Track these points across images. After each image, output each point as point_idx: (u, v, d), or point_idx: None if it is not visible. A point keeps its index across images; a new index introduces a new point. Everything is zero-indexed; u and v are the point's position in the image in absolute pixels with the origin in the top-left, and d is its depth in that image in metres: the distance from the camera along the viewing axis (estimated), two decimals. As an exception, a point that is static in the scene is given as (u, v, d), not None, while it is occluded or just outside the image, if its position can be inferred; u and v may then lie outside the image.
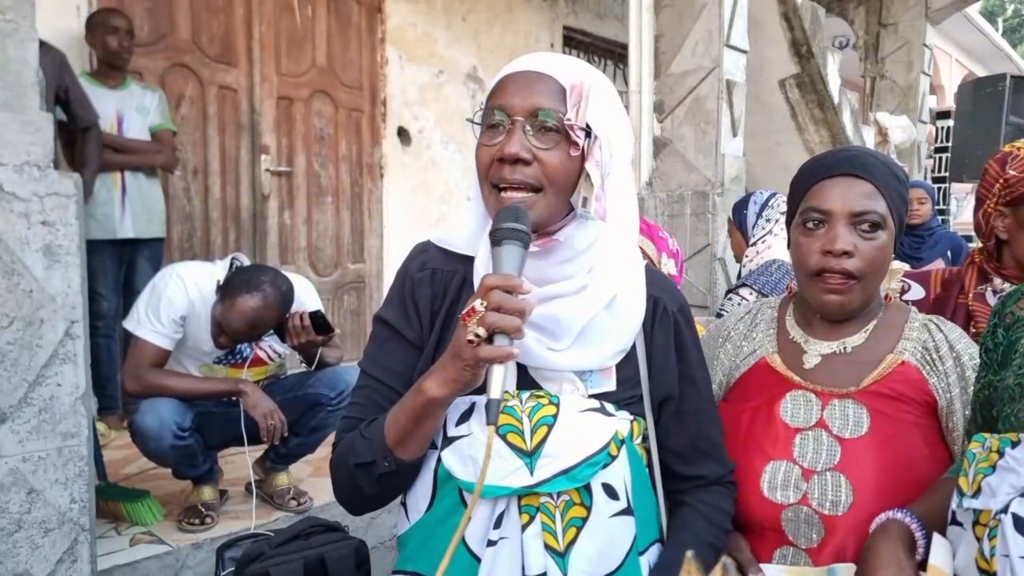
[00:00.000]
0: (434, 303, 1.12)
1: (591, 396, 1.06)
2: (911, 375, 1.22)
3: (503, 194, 1.00)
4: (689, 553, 0.89)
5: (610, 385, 1.08)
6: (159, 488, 2.73)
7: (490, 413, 0.89)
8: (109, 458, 2.96)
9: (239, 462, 2.58)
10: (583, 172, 1.02)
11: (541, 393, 1.05)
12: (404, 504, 1.13)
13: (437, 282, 1.13)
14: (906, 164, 7.31)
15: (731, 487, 1.20)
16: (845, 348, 1.26)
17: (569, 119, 0.99)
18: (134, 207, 3.44)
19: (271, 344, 2.66)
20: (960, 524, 0.87)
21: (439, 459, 1.06)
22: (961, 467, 0.98)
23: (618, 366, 1.09)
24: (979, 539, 0.82)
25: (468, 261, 1.11)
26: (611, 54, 6.64)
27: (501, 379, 0.90)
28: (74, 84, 3.00)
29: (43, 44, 2.15)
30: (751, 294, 2.38)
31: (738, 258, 2.69)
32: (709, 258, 3.96)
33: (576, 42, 6.37)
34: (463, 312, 0.92)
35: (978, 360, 1.07)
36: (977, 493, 0.84)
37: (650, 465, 1.15)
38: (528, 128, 0.99)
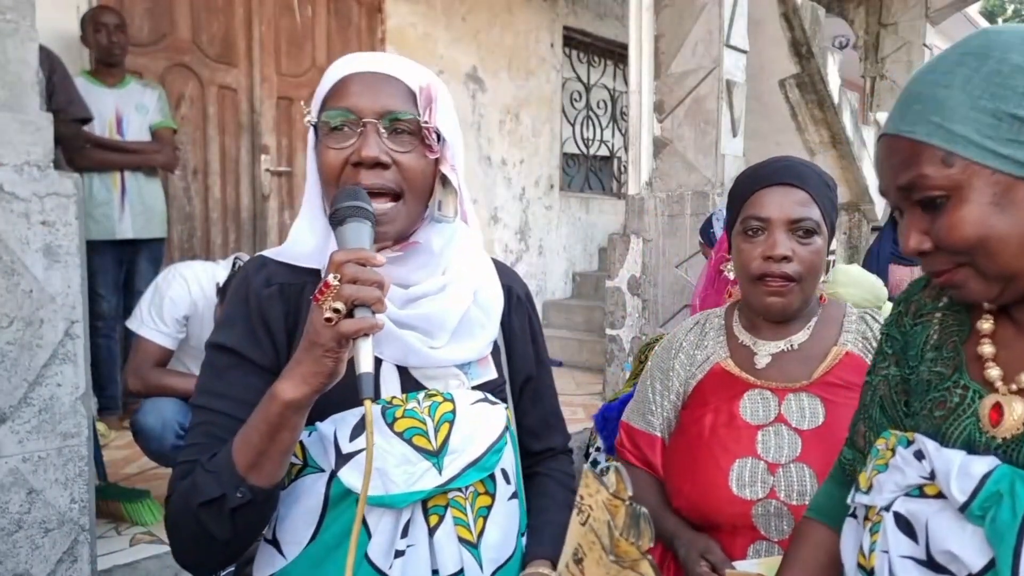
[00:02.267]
0: (287, 319, 1.03)
1: (474, 388, 1.09)
2: (856, 363, 1.29)
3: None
4: (585, 466, 0.89)
5: (490, 374, 1.11)
6: (159, 488, 2.73)
7: (363, 386, 0.81)
8: (109, 458, 2.97)
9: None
10: (437, 175, 1.02)
11: (434, 391, 1.04)
12: (274, 540, 1.02)
13: (287, 297, 1.04)
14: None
15: (570, 453, 1.29)
16: (792, 345, 1.34)
17: (425, 121, 0.97)
18: (133, 208, 3.43)
19: None
20: (855, 516, 0.89)
21: (330, 481, 0.98)
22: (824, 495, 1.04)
23: (491, 355, 1.13)
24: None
25: (315, 274, 1.04)
26: (611, 54, 6.64)
27: (370, 352, 0.83)
28: (62, 80, 2.92)
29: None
30: None
31: None
32: (709, 258, 3.96)
33: (576, 42, 6.38)
34: (314, 292, 0.85)
35: None
36: (869, 489, 0.85)
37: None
38: (382, 130, 0.95)
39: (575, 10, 6.23)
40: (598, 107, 6.71)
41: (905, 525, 0.78)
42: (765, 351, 1.35)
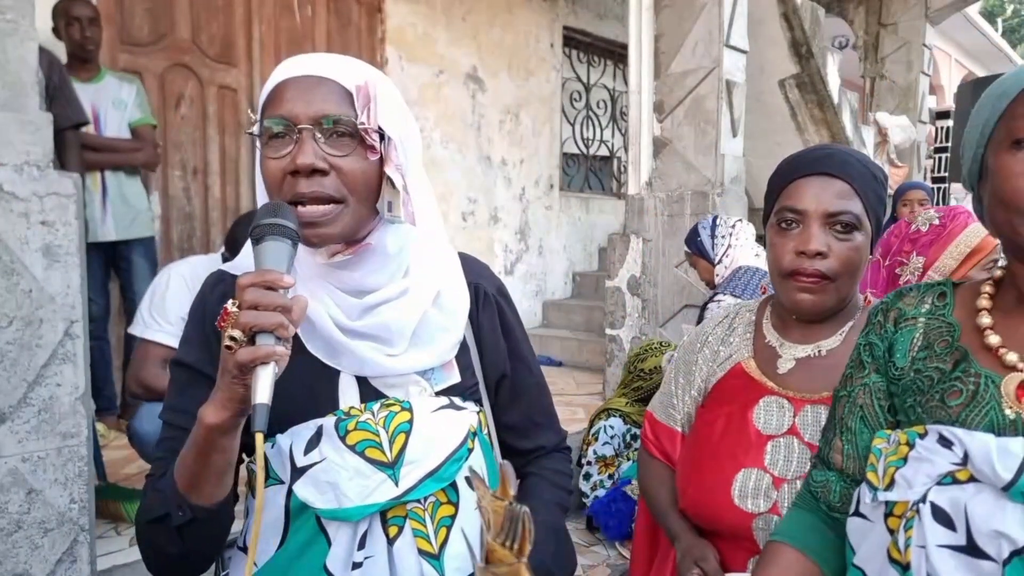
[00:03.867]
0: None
1: (438, 393, 1.05)
2: None
3: (301, 209, 0.92)
4: (474, 471, 0.90)
5: (454, 378, 1.08)
6: (159, 488, 2.73)
7: (256, 419, 0.78)
8: (108, 458, 2.97)
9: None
10: (383, 176, 0.98)
11: (391, 401, 1.02)
12: (245, 547, 1.04)
13: None
14: (906, 164, 7.31)
15: (567, 452, 1.25)
16: (820, 351, 1.24)
17: (362, 122, 0.94)
18: (115, 208, 3.31)
19: None
20: (862, 516, 0.89)
21: (289, 493, 0.99)
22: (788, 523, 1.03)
23: (457, 357, 1.09)
24: (892, 531, 0.83)
25: None
26: (611, 54, 6.64)
27: (269, 382, 0.80)
28: (62, 81, 2.86)
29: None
30: (731, 299, 2.49)
31: (709, 283, 2.85)
32: (709, 258, 3.96)
33: (576, 42, 6.38)
34: (217, 320, 0.83)
35: None
36: (890, 486, 0.85)
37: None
38: (318, 135, 0.92)
39: (575, 10, 6.23)
40: (598, 107, 6.71)
41: (941, 515, 0.79)
42: (790, 355, 1.26)
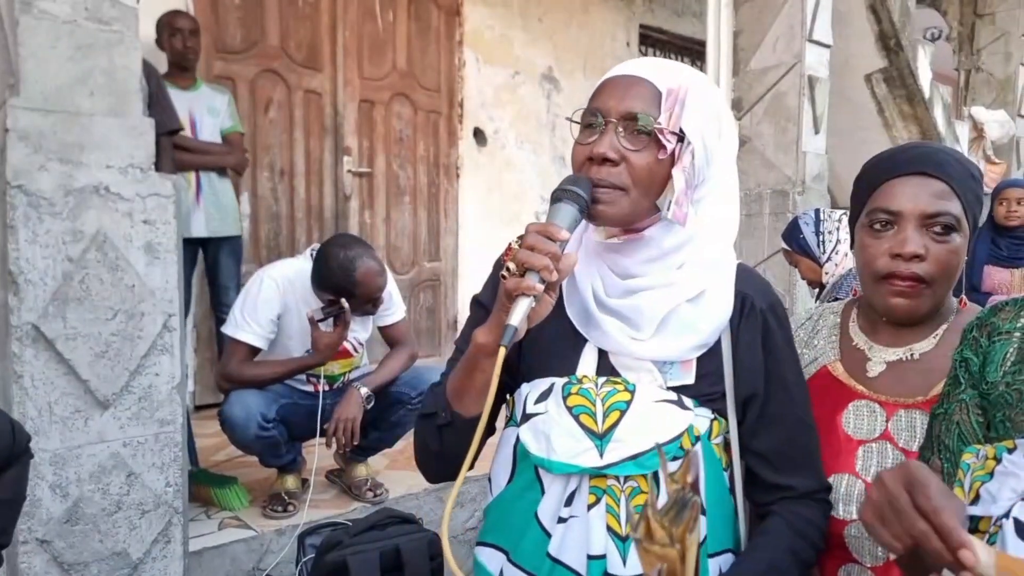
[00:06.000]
0: None
1: (670, 388, 1.06)
2: None
3: (594, 191, 1.03)
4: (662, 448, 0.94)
5: (689, 378, 1.07)
6: (246, 475, 2.85)
7: (504, 335, 0.92)
8: (201, 445, 3.12)
9: (321, 451, 2.67)
10: (671, 175, 1.03)
11: (618, 380, 1.06)
12: (489, 478, 1.18)
13: None
14: (1004, 160, 6.95)
15: (824, 504, 1.13)
16: (912, 355, 1.19)
17: (660, 123, 1.00)
18: (208, 206, 3.50)
19: (355, 336, 2.75)
20: None
21: (518, 436, 1.09)
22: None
23: (701, 361, 1.08)
24: None
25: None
26: (688, 51, 6.55)
27: (523, 310, 0.93)
28: (158, 89, 3.00)
29: None
30: None
31: (813, 283, 2.63)
32: (789, 258, 3.87)
33: (653, 40, 6.32)
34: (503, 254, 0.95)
35: None
36: (975, 500, 0.83)
37: (731, 470, 1.12)
38: (620, 130, 1.01)
39: (652, 8, 6.17)
40: (675, 105, 6.62)
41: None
42: (880, 358, 1.21)
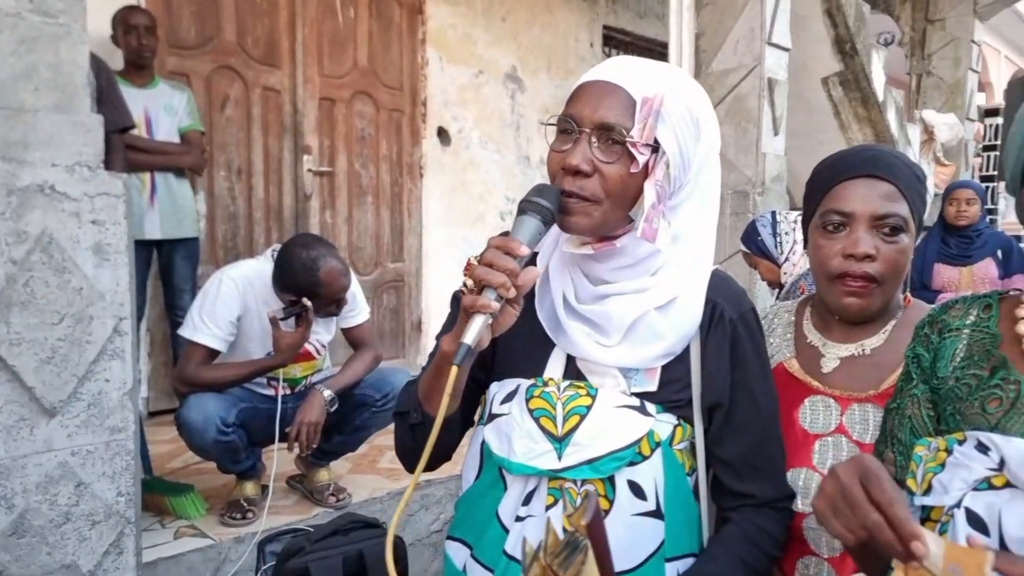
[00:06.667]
0: None
1: (633, 394, 1.06)
2: None
3: (564, 198, 1.03)
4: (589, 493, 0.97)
5: (652, 385, 1.07)
6: (203, 483, 2.78)
7: (457, 355, 0.93)
8: (154, 452, 3.03)
9: (281, 456, 2.62)
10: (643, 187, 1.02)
11: (581, 384, 1.07)
12: (461, 472, 1.21)
13: None
14: (953, 162, 7.13)
15: (784, 513, 1.14)
16: (864, 350, 1.24)
17: (632, 137, 0.99)
18: (163, 208, 3.42)
19: (318, 338, 2.70)
20: None
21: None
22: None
23: (666, 367, 1.08)
24: None
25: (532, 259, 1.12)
26: (651, 53, 6.59)
27: (477, 329, 0.93)
28: (109, 85, 2.90)
29: None
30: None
31: (772, 283, 2.67)
32: (750, 259, 3.91)
33: (616, 41, 6.35)
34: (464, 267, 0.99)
35: None
36: (928, 491, 0.86)
37: (696, 475, 1.12)
38: (594, 140, 1.00)
39: (615, 9, 6.20)
40: (637, 106, 6.66)
41: (975, 520, 0.80)
42: (834, 354, 1.26)
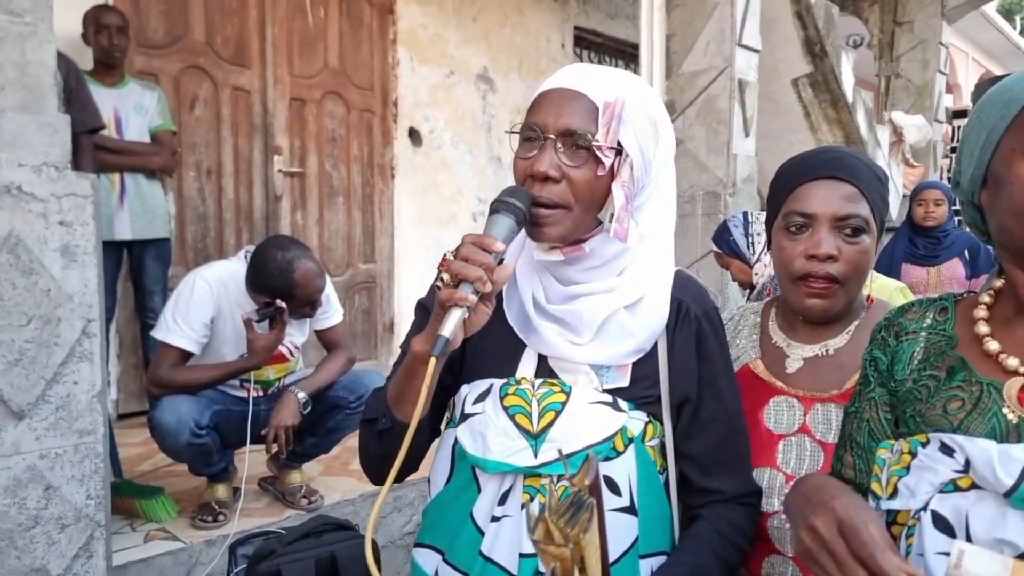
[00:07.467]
0: None
1: (606, 391, 1.08)
2: None
3: (534, 208, 1.04)
4: (561, 452, 0.99)
5: (624, 381, 1.09)
6: (174, 485, 2.76)
7: (435, 346, 0.94)
8: (125, 455, 3.00)
9: (253, 458, 2.60)
10: (611, 189, 1.04)
11: (554, 381, 1.08)
12: (428, 479, 1.19)
13: None
14: (922, 164, 7.26)
15: (751, 508, 1.15)
16: (827, 351, 1.26)
17: (597, 141, 1.01)
18: (132, 208, 3.38)
19: (291, 339, 2.69)
20: None
21: (456, 436, 1.11)
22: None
23: (637, 365, 1.10)
24: (895, 539, 0.84)
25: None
26: (622, 54, 6.63)
27: (454, 322, 0.94)
28: (78, 84, 2.89)
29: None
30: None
31: (744, 284, 2.69)
32: (721, 258, 3.95)
33: (587, 42, 6.38)
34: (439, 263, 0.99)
35: None
36: (893, 495, 0.86)
37: (667, 473, 1.14)
38: (560, 146, 1.02)
39: (586, 10, 6.23)
40: (610, 107, 6.68)
41: (942, 523, 0.80)
42: (798, 354, 1.27)
